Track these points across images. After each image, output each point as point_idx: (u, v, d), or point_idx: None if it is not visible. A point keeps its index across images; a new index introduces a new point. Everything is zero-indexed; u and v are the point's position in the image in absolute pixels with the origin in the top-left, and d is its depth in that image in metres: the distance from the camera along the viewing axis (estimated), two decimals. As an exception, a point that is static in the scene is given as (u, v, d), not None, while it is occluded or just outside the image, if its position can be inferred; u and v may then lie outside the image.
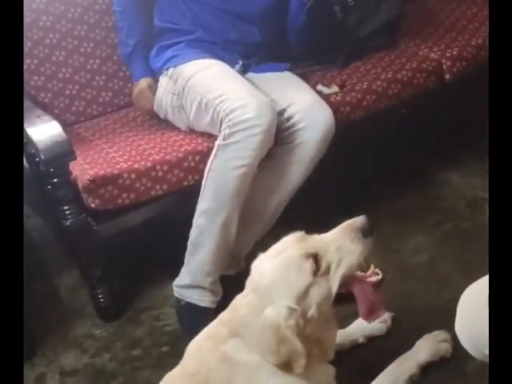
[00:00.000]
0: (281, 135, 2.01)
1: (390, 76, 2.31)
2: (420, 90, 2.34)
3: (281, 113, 2.01)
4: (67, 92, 2.42)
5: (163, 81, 2.19)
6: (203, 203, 1.94)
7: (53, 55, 2.37)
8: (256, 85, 2.09)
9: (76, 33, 2.39)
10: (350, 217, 1.49)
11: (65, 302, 2.30)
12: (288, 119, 2.01)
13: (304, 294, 1.41)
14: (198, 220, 1.96)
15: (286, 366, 1.40)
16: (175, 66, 2.15)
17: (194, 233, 1.98)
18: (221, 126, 1.92)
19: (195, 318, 1.94)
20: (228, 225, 1.94)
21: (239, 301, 1.51)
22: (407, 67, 2.34)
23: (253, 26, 2.18)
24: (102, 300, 2.14)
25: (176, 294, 2.03)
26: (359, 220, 1.47)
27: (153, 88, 2.23)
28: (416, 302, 1.98)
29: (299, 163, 2.01)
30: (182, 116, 2.15)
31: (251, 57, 2.23)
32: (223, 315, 1.54)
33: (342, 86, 2.27)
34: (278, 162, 2.04)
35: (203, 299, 1.98)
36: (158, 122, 2.29)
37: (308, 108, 2.01)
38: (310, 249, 1.43)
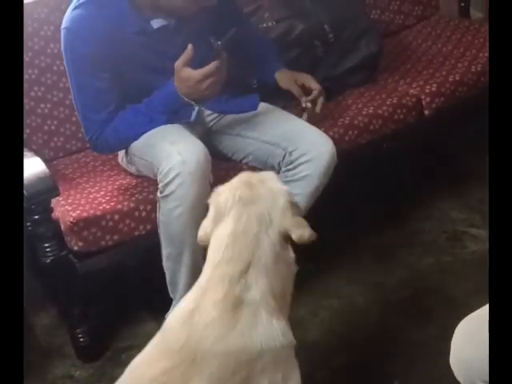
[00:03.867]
0: (282, 169, 2.02)
1: (371, 111, 2.33)
2: (401, 125, 2.36)
3: (277, 148, 2.01)
4: (45, 127, 2.38)
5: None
6: (164, 249, 1.93)
7: (31, 90, 2.33)
8: (235, 130, 2.11)
9: (55, 68, 2.35)
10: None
11: (42, 341, 2.23)
12: (290, 153, 1.99)
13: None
14: (166, 264, 1.96)
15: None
16: None
17: (167, 275, 1.97)
18: None
19: None
20: (196, 262, 1.90)
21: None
22: (388, 103, 2.36)
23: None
24: (81, 340, 2.08)
25: None
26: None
27: None
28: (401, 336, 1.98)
29: (302, 196, 1.96)
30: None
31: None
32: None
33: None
34: None
35: None
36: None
37: (310, 140, 1.99)
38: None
